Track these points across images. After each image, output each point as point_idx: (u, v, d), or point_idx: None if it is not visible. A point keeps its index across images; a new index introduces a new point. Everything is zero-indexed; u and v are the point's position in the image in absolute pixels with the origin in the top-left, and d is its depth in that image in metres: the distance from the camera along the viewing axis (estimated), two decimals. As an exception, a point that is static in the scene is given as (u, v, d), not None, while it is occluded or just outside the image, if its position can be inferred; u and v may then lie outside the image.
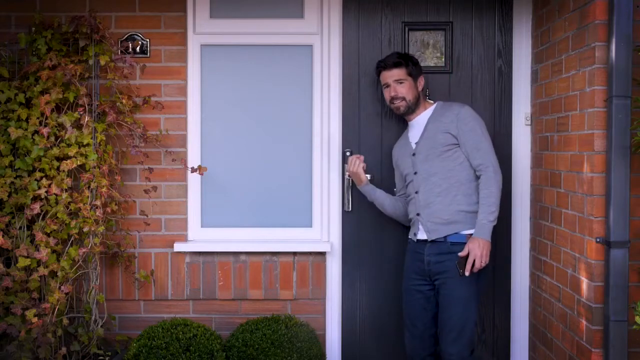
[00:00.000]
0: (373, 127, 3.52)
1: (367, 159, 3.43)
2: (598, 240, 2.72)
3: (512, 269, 3.54)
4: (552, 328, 3.21)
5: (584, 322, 2.84)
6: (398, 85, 3.15)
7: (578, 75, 2.89)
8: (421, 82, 3.20)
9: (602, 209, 2.73)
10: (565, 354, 3.05)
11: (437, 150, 3.06)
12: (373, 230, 3.53)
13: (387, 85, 3.20)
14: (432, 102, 3.25)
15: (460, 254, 2.93)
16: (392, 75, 3.16)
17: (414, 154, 3.14)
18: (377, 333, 3.56)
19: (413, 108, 3.18)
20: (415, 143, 3.15)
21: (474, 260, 2.90)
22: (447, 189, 3.04)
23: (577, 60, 2.90)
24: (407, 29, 3.51)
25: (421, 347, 3.13)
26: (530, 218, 3.52)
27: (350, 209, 3.51)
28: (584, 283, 2.83)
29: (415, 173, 3.12)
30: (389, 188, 3.40)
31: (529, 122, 3.49)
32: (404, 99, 3.15)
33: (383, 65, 3.20)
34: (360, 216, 3.53)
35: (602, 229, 2.74)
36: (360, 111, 3.53)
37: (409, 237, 3.22)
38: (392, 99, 3.17)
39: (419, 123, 3.19)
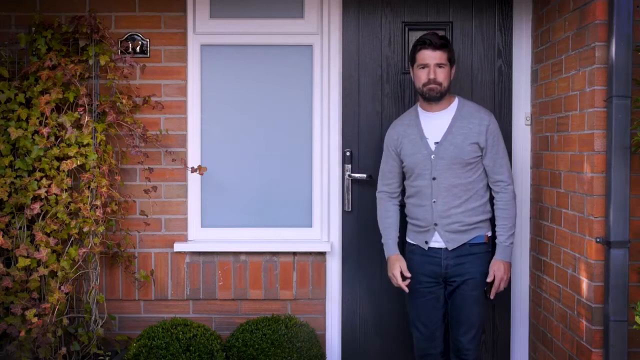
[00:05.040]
0: (373, 127, 3.52)
1: (367, 159, 3.44)
2: (598, 240, 2.72)
3: (512, 269, 3.54)
4: (552, 328, 3.21)
5: (584, 322, 2.84)
6: (438, 69, 2.93)
7: (578, 75, 2.89)
8: (454, 71, 3.04)
9: (602, 209, 2.73)
10: (565, 354, 3.05)
11: (464, 161, 2.95)
12: (373, 230, 3.52)
13: (425, 66, 2.95)
14: (452, 96, 3.07)
15: (488, 280, 3.01)
16: (434, 57, 2.93)
17: (433, 156, 2.98)
18: (377, 333, 3.56)
19: (443, 96, 2.98)
20: (436, 143, 2.97)
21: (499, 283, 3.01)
22: (467, 200, 2.98)
23: (577, 60, 2.90)
24: (407, 29, 3.51)
25: (433, 346, 3.10)
26: (530, 218, 3.52)
27: (350, 209, 3.51)
28: (584, 283, 2.83)
29: (434, 179, 2.98)
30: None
31: (529, 122, 3.49)
32: (440, 84, 2.94)
33: (428, 43, 2.93)
34: (360, 216, 3.53)
35: (602, 229, 2.74)
36: (360, 111, 3.53)
37: (414, 242, 3.10)
38: (429, 81, 2.93)
39: (439, 118, 3.00)
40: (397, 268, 3.06)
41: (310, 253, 3.50)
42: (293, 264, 3.50)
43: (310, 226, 3.55)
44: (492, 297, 3.03)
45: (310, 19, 3.50)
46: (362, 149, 3.51)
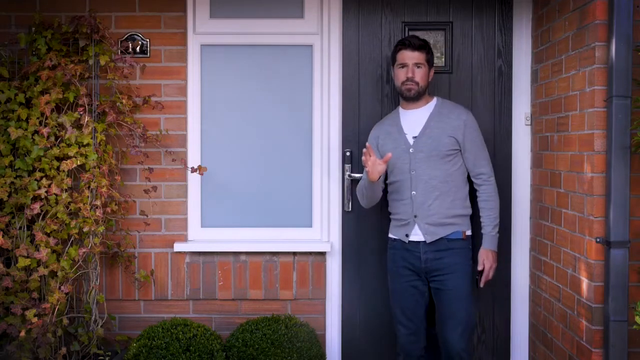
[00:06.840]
0: (373, 127, 3.51)
1: (367, 159, 3.42)
2: (598, 240, 2.72)
3: (512, 269, 3.54)
4: (552, 328, 3.21)
5: (584, 322, 2.84)
6: (416, 68, 3.08)
7: (578, 75, 2.89)
8: (432, 72, 3.18)
9: (602, 209, 2.73)
10: (565, 354, 3.05)
11: (441, 152, 3.05)
12: (373, 230, 3.53)
13: (404, 66, 3.10)
14: (431, 96, 3.21)
15: (479, 268, 3.13)
16: (412, 57, 3.08)
17: (411, 149, 3.09)
18: (377, 333, 3.56)
19: (421, 95, 3.12)
20: (414, 137, 3.10)
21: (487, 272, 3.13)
22: (445, 192, 3.06)
23: (577, 60, 2.90)
24: (407, 29, 3.51)
25: (417, 342, 3.14)
26: (530, 218, 3.52)
27: (350, 209, 3.51)
28: (584, 283, 2.83)
29: (413, 172, 3.08)
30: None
31: (529, 122, 3.49)
32: (417, 83, 3.08)
33: (407, 44, 3.09)
34: (360, 216, 3.53)
35: (602, 229, 2.74)
36: (360, 111, 3.53)
37: (395, 237, 3.16)
38: (407, 80, 3.08)
39: (417, 115, 3.14)
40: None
41: (310, 253, 3.50)
42: (293, 264, 3.50)
43: (310, 226, 3.55)
44: (481, 285, 3.13)
45: (310, 19, 3.50)
46: (362, 149, 3.50)
